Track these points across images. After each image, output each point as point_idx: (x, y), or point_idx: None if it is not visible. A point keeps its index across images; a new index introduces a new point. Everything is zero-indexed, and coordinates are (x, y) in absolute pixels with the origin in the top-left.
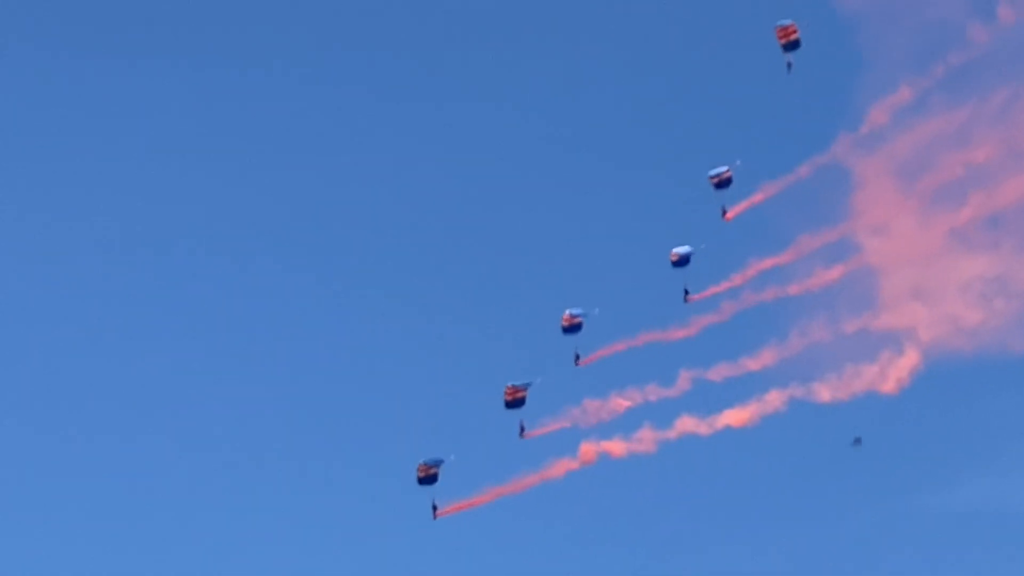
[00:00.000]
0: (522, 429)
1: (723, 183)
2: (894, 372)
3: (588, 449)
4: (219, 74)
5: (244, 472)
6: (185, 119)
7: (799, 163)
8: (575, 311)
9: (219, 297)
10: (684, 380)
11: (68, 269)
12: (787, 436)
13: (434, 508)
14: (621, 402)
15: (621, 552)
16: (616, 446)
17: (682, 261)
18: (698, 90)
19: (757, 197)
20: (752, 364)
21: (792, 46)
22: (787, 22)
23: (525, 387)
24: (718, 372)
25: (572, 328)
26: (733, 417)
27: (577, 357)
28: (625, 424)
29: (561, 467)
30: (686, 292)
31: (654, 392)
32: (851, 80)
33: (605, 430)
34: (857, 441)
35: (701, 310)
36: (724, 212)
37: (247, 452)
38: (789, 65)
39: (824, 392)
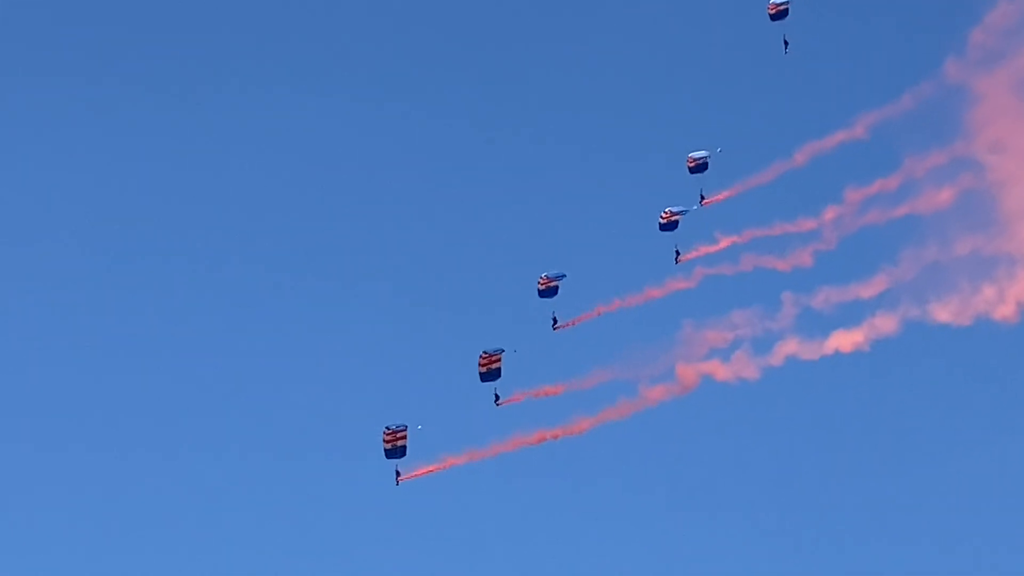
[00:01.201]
0: (497, 397)
1: (699, 168)
2: (1013, 295)
3: (687, 372)
4: None
5: (216, 449)
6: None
7: (906, 90)
8: (551, 273)
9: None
10: (790, 306)
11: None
12: (900, 360)
13: (397, 473)
14: (725, 334)
15: (723, 485)
16: (718, 368)
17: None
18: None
19: (857, 131)
20: (864, 288)
21: (781, 16)
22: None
23: (499, 353)
24: (827, 297)
25: (548, 292)
26: (842, 340)
27: (555, 321)
28: (728, 350)
29: (659, 392)
30: (677, 253)
31: (759, 319)
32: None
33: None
34: (786, 44)
35: (807, 241)
36: (702, 198)
37: (219, 429)
38: (786, 44)
39: (940, 314)
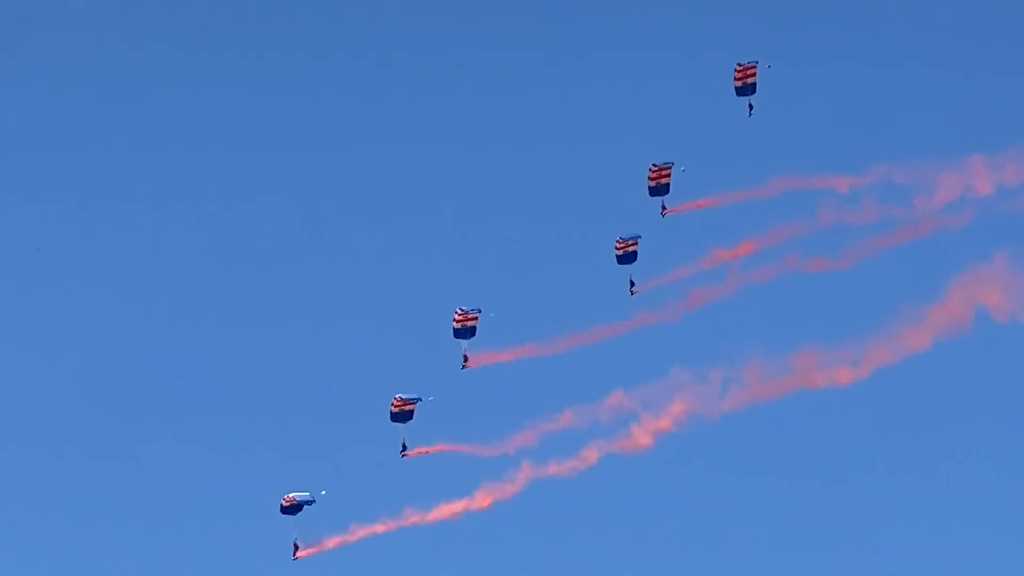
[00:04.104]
0: (404, 448)
1: (660, 188)
2: None
3: (958, 307)
4: None
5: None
6: None
7: None
8: (467, 309)
9: None
10: None
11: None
12: None
13: (295, 548)
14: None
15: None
16: (992, 299)
17: (628, 257)
18: None
19: None
20: None
21: (749, 90)
22: (747, 62)
23: (414, 401)
24: None
25: (464, 331)
26: None
27: (465, 360)
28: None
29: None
30: (632, 284)
31: None
32: None
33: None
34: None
35: None
36: (664, 208)
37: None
38: (750, 107)
39: None
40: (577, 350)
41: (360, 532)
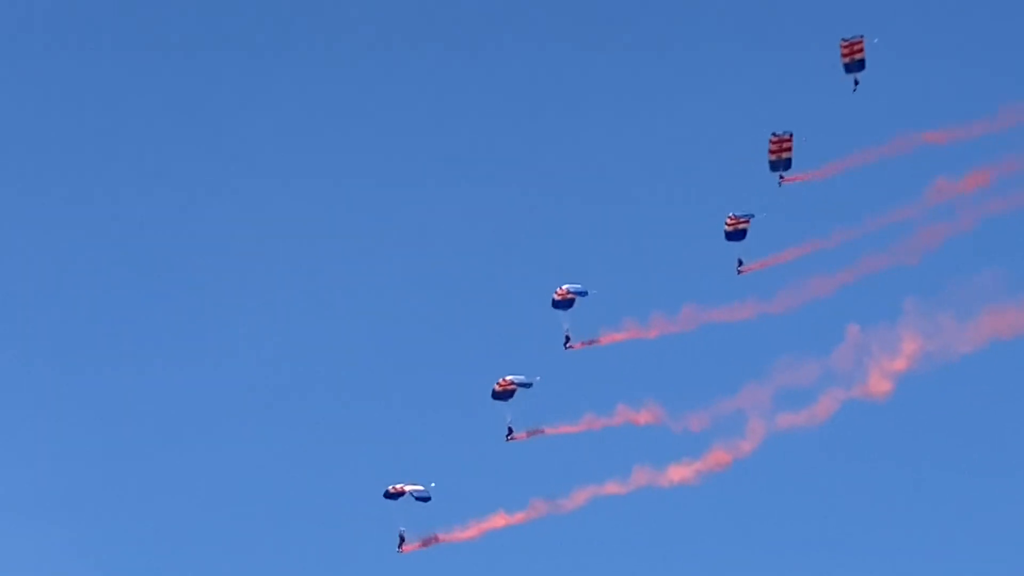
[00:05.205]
0: (510, 431)
1: (780, 163)
2: None
3: None
4: None
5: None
6: None
7: None
8: (572, 287)
9: None
10: None
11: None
12: None
13: (401, 540)
14: None
15: None
16: None
17: (737, 235)
18: None
19: None
20: None
21: (857, 67)
22: (852, 37)
23: (523, 385)
24: None
25: (564, 303)
26: None
27: (567, 340)
28: None
29: None
30: (740, 262)
31: None
32: None
33: None
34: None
35: None
36: (781, 179)
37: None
38: (856, 83)
39: None
40: (808, 304)
41: (587, 493)
